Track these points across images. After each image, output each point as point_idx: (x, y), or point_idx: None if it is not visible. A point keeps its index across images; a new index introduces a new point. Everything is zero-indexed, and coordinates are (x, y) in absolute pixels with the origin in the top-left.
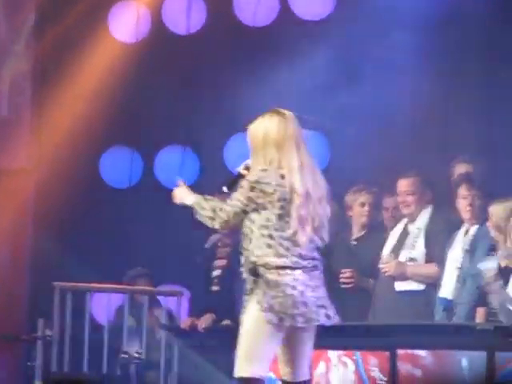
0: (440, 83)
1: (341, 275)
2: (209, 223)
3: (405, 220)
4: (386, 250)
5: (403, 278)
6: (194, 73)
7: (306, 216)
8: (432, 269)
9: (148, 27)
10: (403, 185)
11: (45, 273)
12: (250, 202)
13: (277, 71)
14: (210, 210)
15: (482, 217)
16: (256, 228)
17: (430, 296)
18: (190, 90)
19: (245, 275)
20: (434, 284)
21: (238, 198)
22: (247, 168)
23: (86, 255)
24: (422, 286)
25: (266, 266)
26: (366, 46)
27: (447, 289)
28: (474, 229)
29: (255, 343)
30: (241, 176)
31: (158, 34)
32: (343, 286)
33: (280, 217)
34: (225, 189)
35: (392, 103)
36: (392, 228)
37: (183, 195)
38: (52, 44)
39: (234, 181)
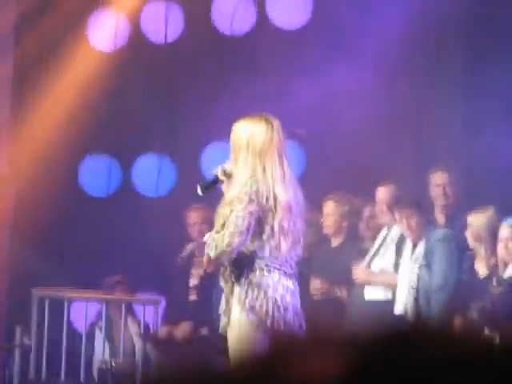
0: (415, 94)
1: (310, 286)
2: (212, 253)
3: (385, 230)
4: (366, 259)
5: (370, 285)
6: (172, 81)
7: (288, 229)
8: (396, 279)
9: (126, 36)
10: (380, 192)
11: (23, 280)
12: (251, 217)
13: (254, 80)
14: (212, 240)
15: (426, 230)
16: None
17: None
18: (168, 99)
19: (225, 278)
20: None
21: (240, 216)
22: (225, 173)
23: (64, 263)
24: (389, 296)
25: (249, 268)
26: (342, 56)
27: (403, 306)
28: (421, 244)
29: (243, 348)
30: (217, 179)
31: (137, 43)
32: (314, 297)
33: (271, 227)
34: (199, 190)
35: (367, 113)
36: (369, 238)
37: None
38: (31, 52)
39: (209, 183)
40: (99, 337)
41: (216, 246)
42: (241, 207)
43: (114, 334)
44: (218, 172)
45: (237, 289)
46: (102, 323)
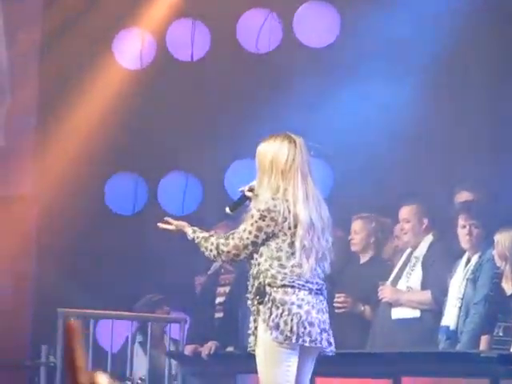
0: (443, 111)
1: (334, 299)
2: (216, 259)
3: (409, 249)
4: (390, 279)
5: (398, 304)
6: (198, 99)
7: (310, 247)
8: (425, 296)
9: (152, 54)
10: (402, 212)
11: (48, 299)
12: (259, 232)
13: (279, 97)
14: (214, 248)
15: (482, 245)
16: (263, 259)
17: (426, 324)
18: (194, 117)
19: (250, 298)
20: (429, 312)
21: (247, 230)
22: (251, 190)
23: (89, 281)
24: (417, 314)
25: (272, 285)
26: (369, 74)
27: (449, 317)
28: (475, 257)
29: (271, 367)
30: (245, 197)
31: (163, 61)
32: (336, 310)
33: (289, 245)
34: (227, 210)
35: (395, 130)
36: (389, 255)
37: (182, 230)
38: (57, 71)
39: (237, 202)
40: (126, 355)
41: (217, 251)
42: (250, 222)
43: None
44: (246, 188)
45: (261, 308)
46: (129, 341)
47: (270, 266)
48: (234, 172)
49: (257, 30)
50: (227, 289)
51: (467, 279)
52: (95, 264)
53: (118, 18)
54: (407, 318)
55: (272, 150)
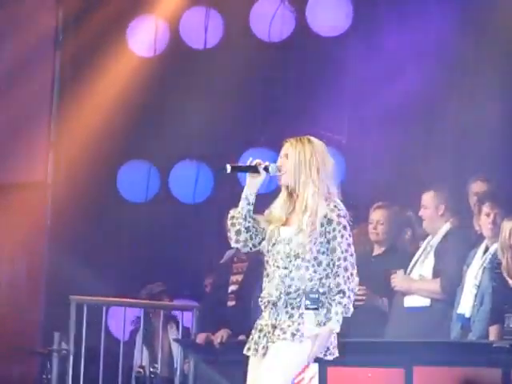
0: (457, 97)
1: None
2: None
3: (429, 236)
4: (410, 266)
5: (409, 292)
6: (211, 87)
7: None
8: (434, 285)
9: (166, 42)
10: (423, 199)
11: (61, 286)
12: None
13: (292, 85)
14: (350, 302)
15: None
16: (321, 268)
17: (436, 313)
18: (207, 104)
19: (292, 296)
20: (439, 301)
21: (350, 250)
22: (266, 169)
23: (102, 269)
24: (427, 303)
25: (328, 296)
26: (381, 64)
27: (465, 305)
28: (494, 247)
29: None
30: (254, 171)
31: (176, 49)
32: (356, 302)
33: None
34: (228, 167)
35: (407, 116)
36: (409, 246)
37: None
38: (71, 58)
39: (243, 168)
40: (138, 343)
41: (351, 296)
42: (346, 237)
43: (154, 341)
44: (260, 164)
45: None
46: (141, 329)
47: (325, 276)
48: (248, 159)
49: (269, 18)
50: (240, 277)
51: (484, 268)
52: (107, 251)
53: (132, 5)
54: (417, 307)
55: (323, 154)
